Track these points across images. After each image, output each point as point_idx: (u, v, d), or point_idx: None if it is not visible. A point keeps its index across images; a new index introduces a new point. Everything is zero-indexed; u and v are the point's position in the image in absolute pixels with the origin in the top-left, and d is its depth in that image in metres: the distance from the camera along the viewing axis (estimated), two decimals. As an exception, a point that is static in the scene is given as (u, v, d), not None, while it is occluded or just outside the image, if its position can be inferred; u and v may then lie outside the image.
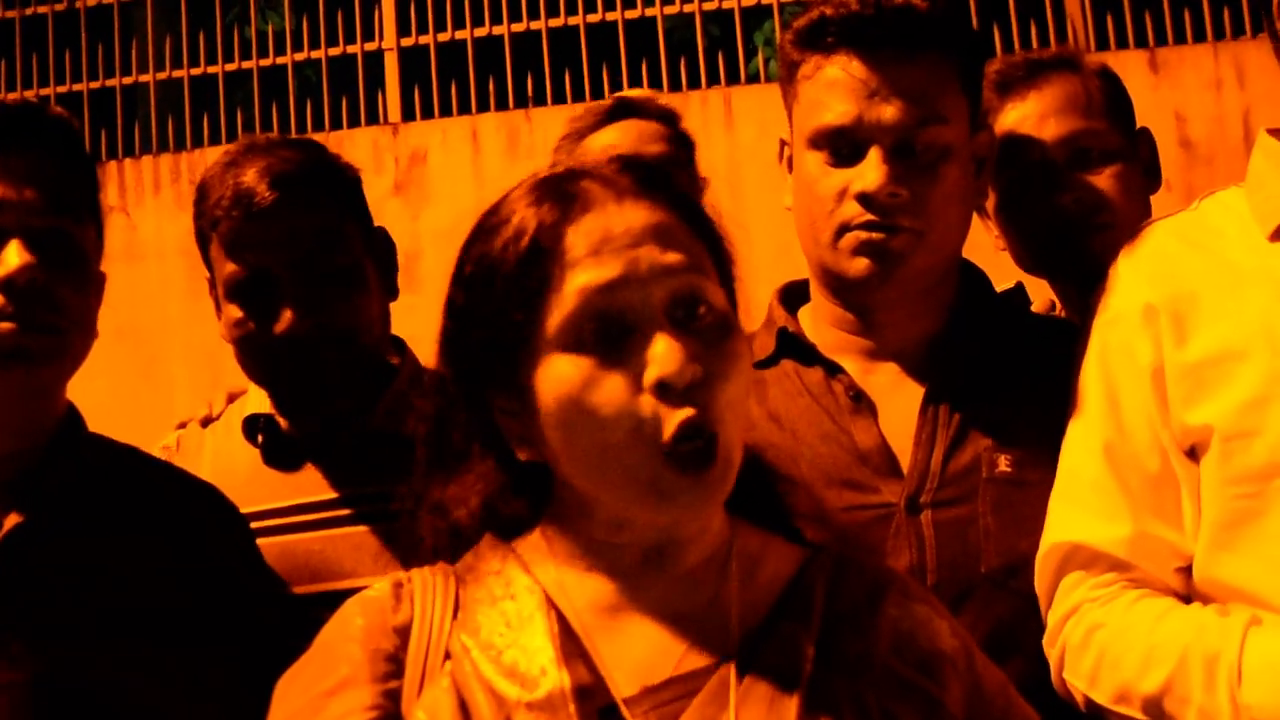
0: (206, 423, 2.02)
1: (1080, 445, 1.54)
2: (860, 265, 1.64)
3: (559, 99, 5.35)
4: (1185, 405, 1.44)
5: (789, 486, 1.32)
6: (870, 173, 1.61)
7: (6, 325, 1.48)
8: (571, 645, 1.12)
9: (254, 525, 1.76)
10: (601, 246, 1.10)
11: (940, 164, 1.63)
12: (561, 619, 1.14)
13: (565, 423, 1.11)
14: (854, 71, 1.62)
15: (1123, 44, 5.10)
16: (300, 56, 5.75)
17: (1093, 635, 1.45)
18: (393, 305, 1.94)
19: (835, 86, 1.63)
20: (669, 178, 1.19)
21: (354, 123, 5.54)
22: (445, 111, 5.45)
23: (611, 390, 1.08)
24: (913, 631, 1.18)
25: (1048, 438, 1.58)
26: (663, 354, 1.07)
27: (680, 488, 1.08)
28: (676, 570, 1.17)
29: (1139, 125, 2.10)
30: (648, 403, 1.07)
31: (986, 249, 1.99)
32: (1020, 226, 2.01)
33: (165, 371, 5.00)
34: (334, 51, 5.69)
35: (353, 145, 5.36)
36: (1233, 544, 1.40)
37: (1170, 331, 1.47)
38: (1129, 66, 1.96)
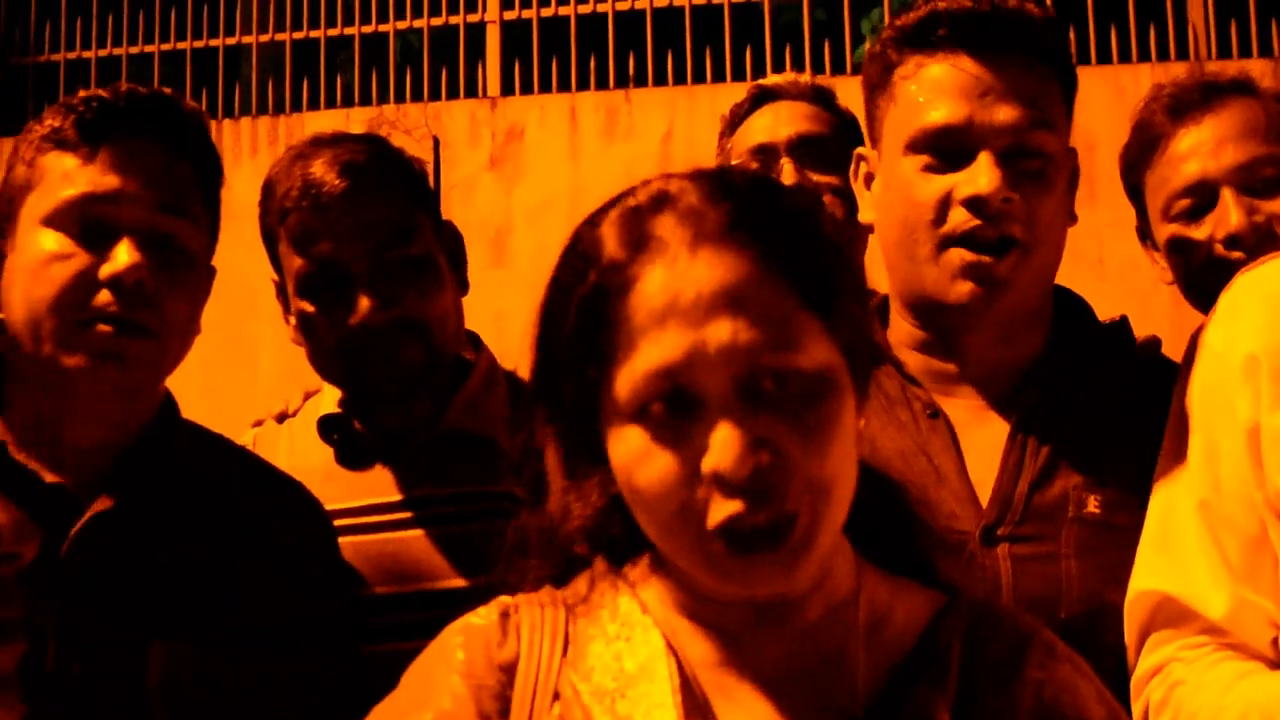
0: (283, 419, 2.00)
1: (1174, 495, 1.46)
2: (963, 290, 1.54)
3: (660, 80, 5.30)
4: None
5: (922, 514, 1.19)
6: (982, 176, 1.50)
7: (105, 327, 1.46)
8: (693, 703, 1.03)
9: None
10: (668, 315, 1.00)
11: (1048, 173, 1.55)
12: (682, 671, 1.05)
13: (627, 490, 1.04)
14: (966, 68, 1.52)
15: (1246, 52, 4.93)
16: (403, 24, 5.76)
17: (1173, 692, 1.38)
18: (483, 281, 1.90)
19: (942, 85, 1.54)
20: (767, 209, 1.06)
21: (453, 94, 5.52)
22: (545, 88, 5.41)
23: (665, 469, 1.00)
24: (1057, 699, 1.06)
25: (1142, 482, 1.49)
26: (721, 444, 0.98)
27: (738, 568, 0.99)
28: (795, 626, 1.07)
29: None
30: (703, 489, 0.99)
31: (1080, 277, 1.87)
32: (1193, 258, 1.90)
33: (252, 331, 5.01)
34: (436, 21, 5.68)
35: (450, 117, 5.34)
36: None
37: (1270, 389, 1.37)
38: (1253, 76, 1.86)
